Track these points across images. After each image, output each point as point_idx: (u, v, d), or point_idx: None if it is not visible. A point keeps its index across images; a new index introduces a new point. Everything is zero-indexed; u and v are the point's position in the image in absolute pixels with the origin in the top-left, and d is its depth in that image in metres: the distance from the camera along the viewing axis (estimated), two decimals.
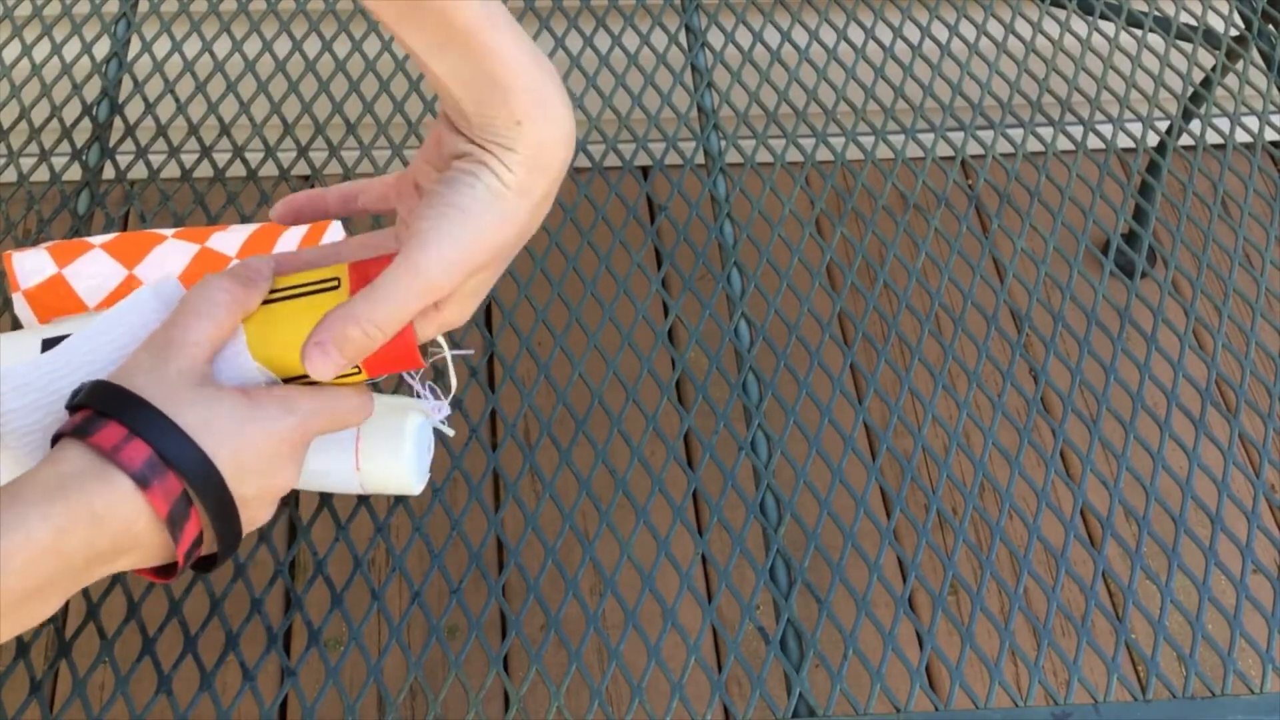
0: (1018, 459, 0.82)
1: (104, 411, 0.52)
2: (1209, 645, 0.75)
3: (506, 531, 0.79)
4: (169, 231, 0.81)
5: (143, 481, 0.51)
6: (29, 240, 0.91)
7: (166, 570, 0.56)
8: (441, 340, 0.63)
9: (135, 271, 0.78)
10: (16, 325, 0.83)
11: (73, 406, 0.54)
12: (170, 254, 0.79)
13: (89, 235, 0.83)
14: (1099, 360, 0.88)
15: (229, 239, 0.81)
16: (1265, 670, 0.74)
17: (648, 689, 0.71)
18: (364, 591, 0.75)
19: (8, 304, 0.86)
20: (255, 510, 0.56)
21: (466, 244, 0.53)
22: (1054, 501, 0.81)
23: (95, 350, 0.59)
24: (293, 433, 0.56)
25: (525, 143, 0.53)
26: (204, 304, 0.57)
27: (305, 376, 0.57)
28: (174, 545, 0.52)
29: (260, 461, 0.55)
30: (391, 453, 0.68)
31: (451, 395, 0.68)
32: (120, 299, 0.76)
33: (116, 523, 0.51)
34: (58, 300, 0.78)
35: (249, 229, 0.82)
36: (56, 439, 0.54)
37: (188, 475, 0.52)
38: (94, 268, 0.78)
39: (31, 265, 0.79)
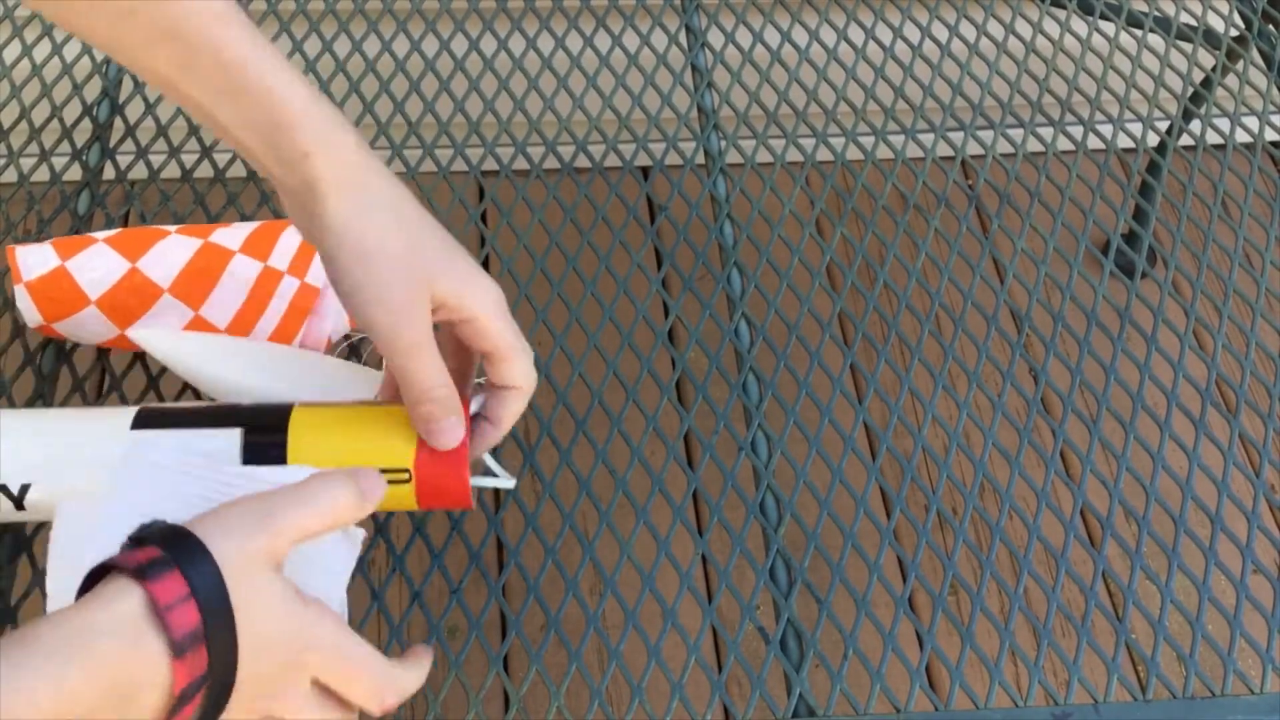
0: (1018, 459, 0.82)
1: (172, 560, 0.49)
2: (1209, 645, 0.75)
3: (506, 531, 0.79)
4: (171, 228, 0.81)
5: (178, 653, 0.47)
6: (30, 240, 0.91)
7: None
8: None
9: (138, 264, 0.78)
10: (18, 320, 0.84)
11: (140, 539, 0.50)
12: (173, 248, 0.79)
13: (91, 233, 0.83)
14: (1099, 360, 0.88)
15: (232, 234, 0.81)
16: (1265, 670, 0.74)
17: (648, 689, 0.71)
18: (364, 591, 0.75)
19: (7, 305, 0.86)
20: (239, 709, 0.52)
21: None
22: (1054, 501, 0.81)
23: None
24: (311, 651, 0.53)
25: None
26: (319, 496, 0.55)
27: None
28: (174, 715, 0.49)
29: (270, 665, 0.52)
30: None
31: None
32: (122, 292, 0.78)
33: (131, 689, 0.47)
34: (60, 293, 0.78)
35: (251, 226, 0.82)
36: (104, 569, 0.50)
37: (213, 661, 0.49)
38: (97, 260, 0.79)
39: (34, 258, 0.79)
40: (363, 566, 0.75)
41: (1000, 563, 0.78)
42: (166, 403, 0.69)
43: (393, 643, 0.73)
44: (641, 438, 0.81)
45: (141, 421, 0.64)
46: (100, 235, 0.80)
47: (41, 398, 0.81)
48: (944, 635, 0.74)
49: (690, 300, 0.91)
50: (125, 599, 0.48)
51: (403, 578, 0.77)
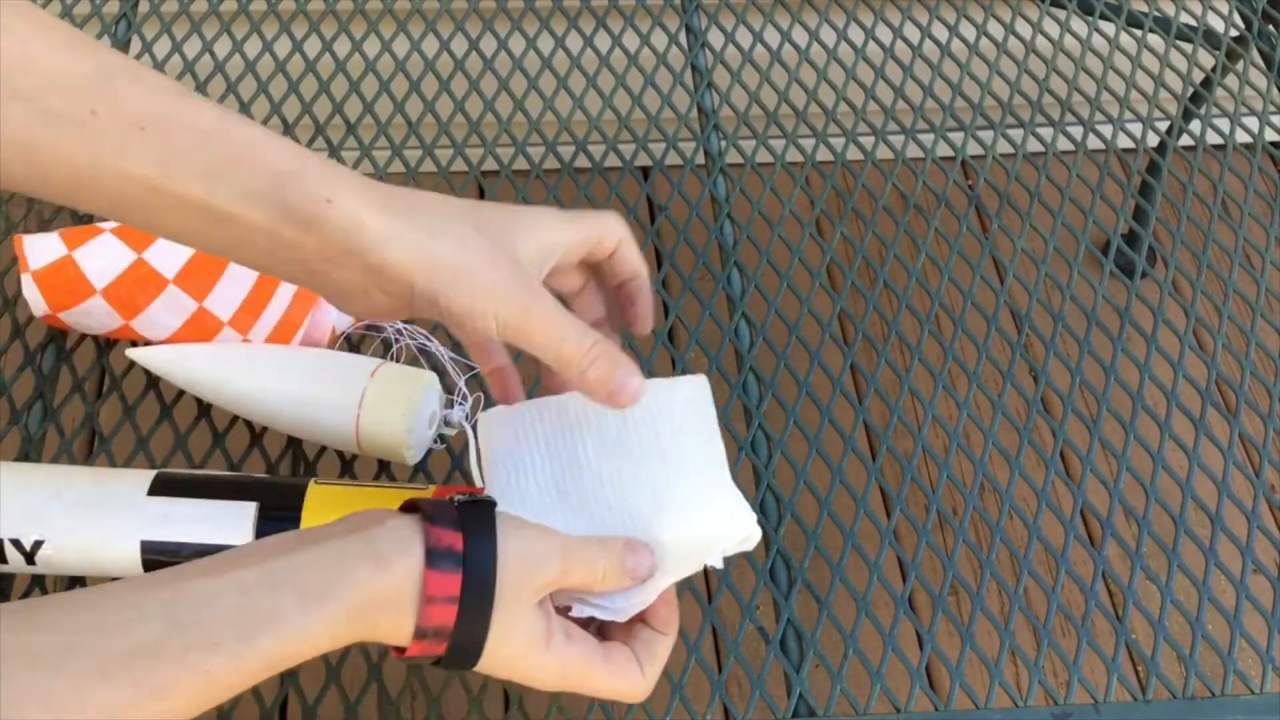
0: (1018, 459, 0.82)
1: (461, 560, 0.52)
2: (1209, 645, 0.75)
3: None
4: None
5: (419, 636, 0.51)
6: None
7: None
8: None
9: (144, 255, 0.79)
10: (17, 319, 0.84)
11: (460, 503, 0.54)
12: None
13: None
14: (1099, 360, 0.88)
15: None
16: (1265, 670, 0.74)
17: None
18: None
19: (7, 305, 0.86)
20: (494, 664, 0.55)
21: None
22: (1054, 501, 0.81)
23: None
24: (548, 684, 0.56)
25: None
26: (606, 557, 0.56)
27: None
28: (402, 643, 0.52)
29: (508, 665, 0.55)
30: (389, 434, 0.73)
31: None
32: (127, 282, 0.79)
33: (365, 636, 0.51)
34: (66, 283, 0.79)
35: None
36: (409, 508, 0.54)
37: (466, 587, 0.52)
38: (103, 250, 0.79)
39: (41, 248, 0.79)
40: None
41: (1000, 563, 0.78)
42: (183, 470, 0.72)
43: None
44: None
45: (158, 488, 0.67)
46: (107, 225, 0.81)
47: (41, 397, 0.81)
48: (944, 635, 0.74)
49: (690, 300, 0.91)
50: (408, 573, 0.51)
51: None
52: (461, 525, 0.53)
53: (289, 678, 0.72)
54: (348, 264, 0.52)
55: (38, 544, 0.66)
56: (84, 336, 0.85)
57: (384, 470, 0.78)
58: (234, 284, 0.79)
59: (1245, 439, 0.84)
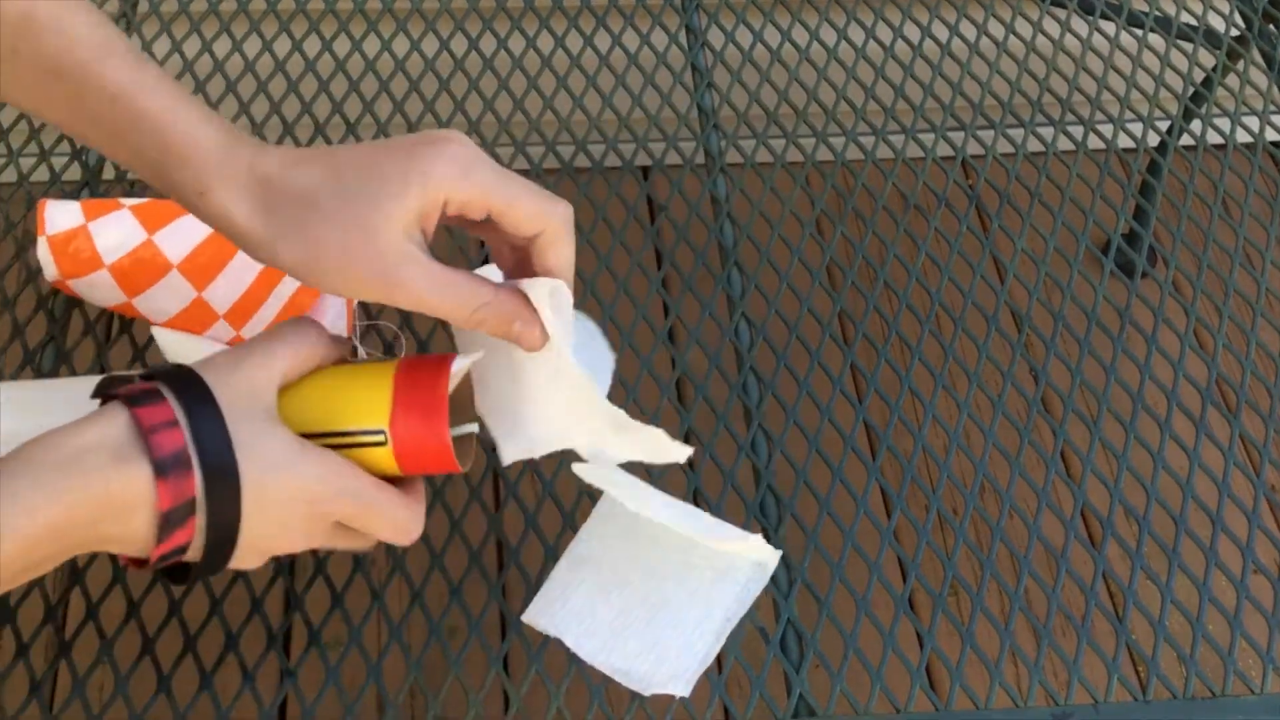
0: (1018, 459, 0.82)
1: (167, 390, 0.51)
2: (1209, 645, 0.75)
3: (506, 531, 0.79)
4: None
5: (161, 471, 0.49)
6: (30, 240, 0.91)
7: (140, 559, 0.54)
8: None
9: (154, 236, 0.80)
10: (23, 310, 0.84)
11: (145, 377, 0.53)
12: (192, 225, 0.81)
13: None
14: (1099, 360, 0.87)
15: None
16: (1265, 670, 0.74)
17: None
18: (364, 591, 0.75)
19: (7, 305, 0.86)
20: (245, 554, 0.54)
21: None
22: (1054, 501, 0.81)
23: None
24: (324, 502, 0.54)
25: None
26: (291, 333, 0.55)
27: None
28: (159, 542, 0.51)
29: (281, 511, 0.53)
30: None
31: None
32: (134, 261, 0.79)
33: (119, 507, 0.49)
34: (78, 252, 0.80)
35: None
36: (111, 398, 0.52)
37: (209, 483, 0.50)
38: (117, 226, 0.80)
39: (60, 214, 0.81)
40: (363, 566, 0.75)
41: (1000, 563, 0.78)
42: (131, 371, 0.67)
43: (393, 643, 0.73)
44: None
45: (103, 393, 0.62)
46: (128, 202, 0.82)
47: None
48: (944, 635, 0.74)
49: (690, 300, 0.91)
50: (115, 422, 0.50)
51: (403, 578, 0.77)
52: (153, 375, 0.53)
53: (288, 677, 0.72)
54: None
55: None
56: (83, 338, 0.85)
57: None
58: (234, 279, 0.79)
59: (1245, 439, 0.84)
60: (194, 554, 0.53)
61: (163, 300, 0.80)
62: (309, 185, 0.53)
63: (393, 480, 0.58)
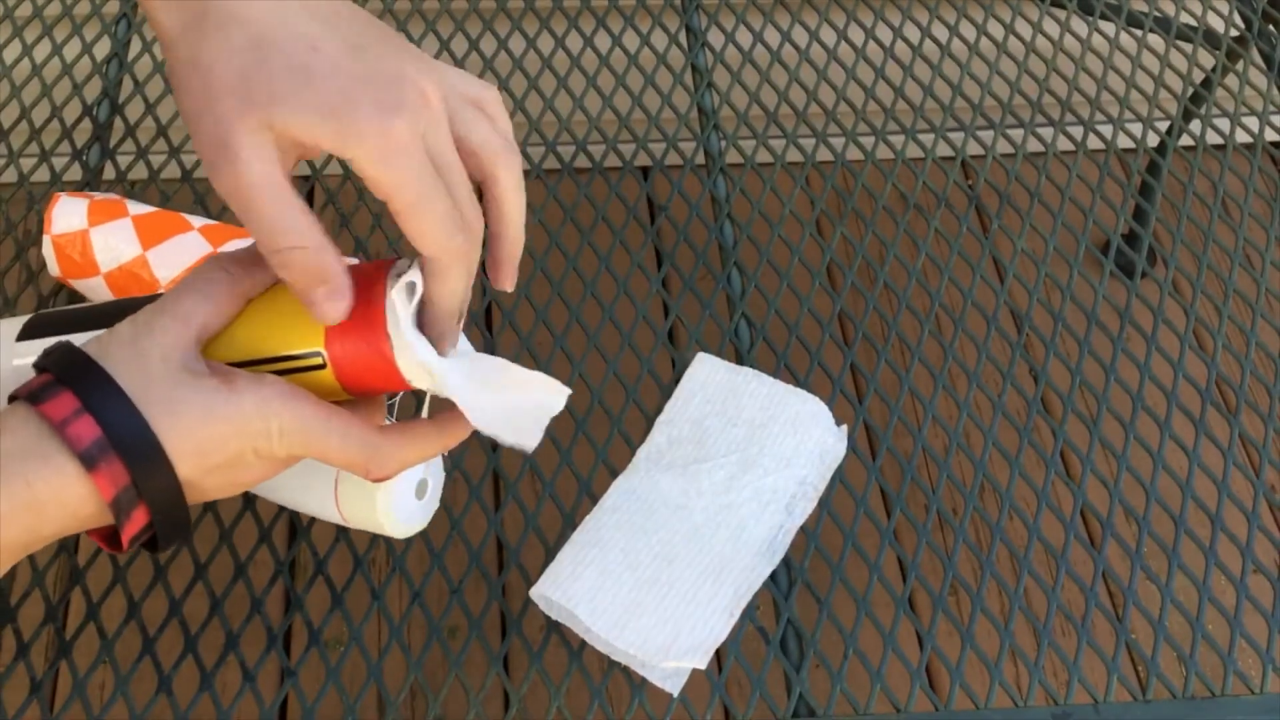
0: (1018, 459, 0.82)
1: (62, 379, 0.48)
2: (1209, 645, 0.75)
3: (506, 531, 0.79)
4: (198, 222, 0.82)
5: (89, 463, 0.47)
6: (30, 241, 0.91)
7: (114, 540, 0.52)
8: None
9: (148, 253, 0.80)
10: (37, 271, 0.84)
11: (39, 367, 0.50)
12: (185, 246, 0.81)
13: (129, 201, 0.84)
14: (1099, 360, 0.88)
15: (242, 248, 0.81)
16: (1265, 670, 0.74)
17: (648, 689, 0.71)
18: (364, 591, 0.75)
19: (7, 305, 0.86)
20: (216, 494, 0.52)
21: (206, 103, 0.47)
22: (1054, 501, 0.81)
23: None
24: (267, 440, 0.51)
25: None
26: (200, 279, 0.52)
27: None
28: (120, 529, 0.49)
29: (226, 457, 0.50)
30: (366, 505, 0.63)
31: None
32: (126, 275, 0.79)
33: (61, 509, 0.47)
34: (77, 255, 0.81)
35: None
36: (12, 399, 0.49)
37: (133, 464, 0.48)
38: (116, 237, 0.81)
39: (69, 213, 0.81)
40: (362, 566, 0.76)
41: (1000, 563, 0.78)
42: (60, 307, 0.64)
43: (393, 643, 0.73)
44: (641, 438, 0.81)
45: (29, 331, 0.60)
46: (134, 210, 0.82)
47: None
48: (944, 635, 0.74)
49: (690, 300, 0.91)
50: (26, 423, 0.48)
51: (403, 578, 0.77)
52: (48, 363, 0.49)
53: (288, 677, 0.72)
54: None
55: None
56: None
57: None
58: None
59: (1245, 439, 0.84)
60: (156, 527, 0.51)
61: None
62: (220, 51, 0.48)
63: (350, 407, 0.54)
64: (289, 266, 0.49)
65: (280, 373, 0.53)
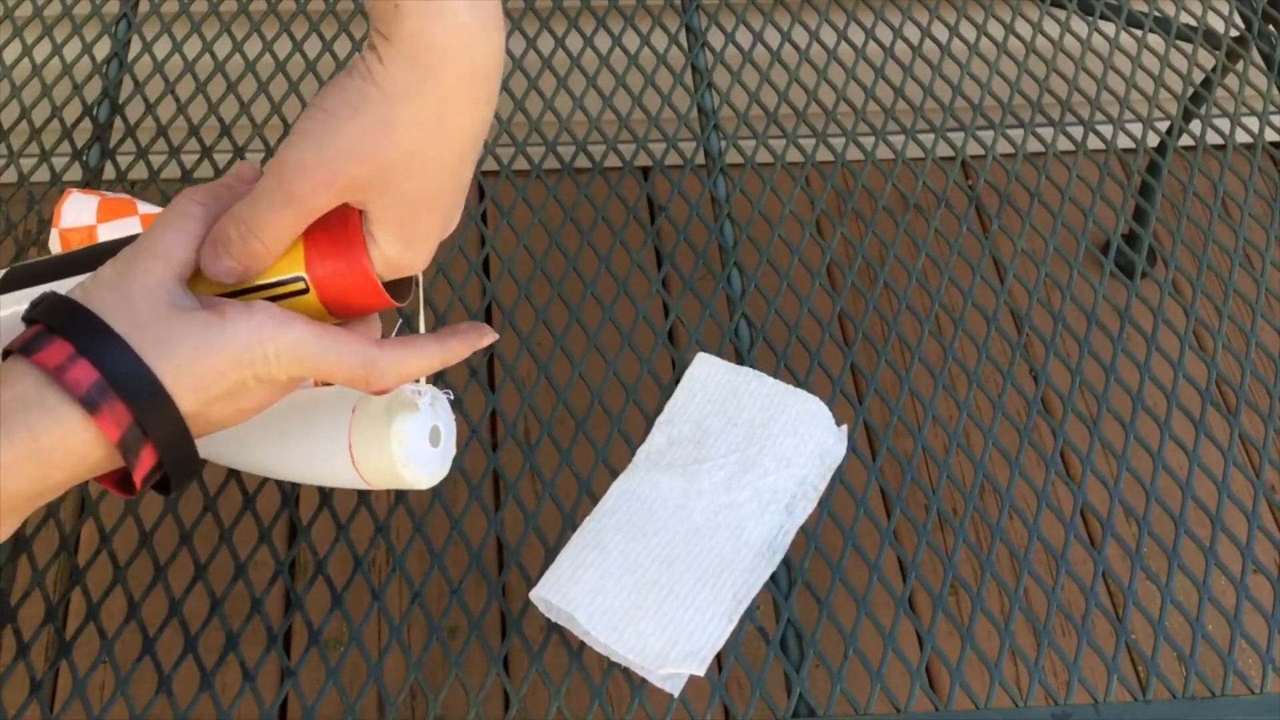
0: (1018, 459, 0.82)
1: (53, 327, 0.48)
2: (1209, 645, 0.75)
3: (506, 531, 0.79)
4: None
5: (91, 406, 0.47)
6: (30, 241, 0.91)
7: (126, 484, 0.52)
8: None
9: None
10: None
11: (28, 319, 0.50)
12: None
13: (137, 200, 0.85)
14: (1099, 360, 0.88)
15: None
16: (1265, 670, 0.74)
17: (648, 689, 0.71)
18: (364, 591, 0.75)
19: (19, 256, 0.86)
20: (222, 424, 0.52)
21: (328, 152, 0.48)
22: (1054, 501, 0.81)
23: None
24: (265, 365, 0.50)
25: (400, 33, 0.46)
26: (176, 216, 0.52)
27: None
28: (131, 469, 0.49)
29: (226, 387, 0.50)
30: (383, 457, 0.63)
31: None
32: None
33: (68, 456, 0.47)
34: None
35: None
36: (6, 355, 0.49)
37: (135, 403, 0.48)
38: (123, 235, 0.80)
39: (78, 209, 0.82)
40: (362, 566, 0.76)
41: (1000, 563, 0.78)
42: (33, 259, 0.63)
43: (393, 643, 0.73)
44: (641, 438, 0.81)
45: (7, 285, 0.60)
46: (142, 209, 0.83)
47: None
48: (944, 635, 0.74)
49: (690, 300, 0.91)
50: (22, 375, 0.47)
51: (403, 578, 0.77)
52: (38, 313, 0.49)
53: (288, 676, 0.72)
54: None
55: None
56: None
57: None
58: None
59: (1245, 439, 0.84)
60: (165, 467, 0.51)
61: None
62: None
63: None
64: (215, 243, 0.51)
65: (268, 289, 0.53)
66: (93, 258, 0.56)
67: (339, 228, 0.53)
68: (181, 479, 0.51)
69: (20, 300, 0.56)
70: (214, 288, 0.53)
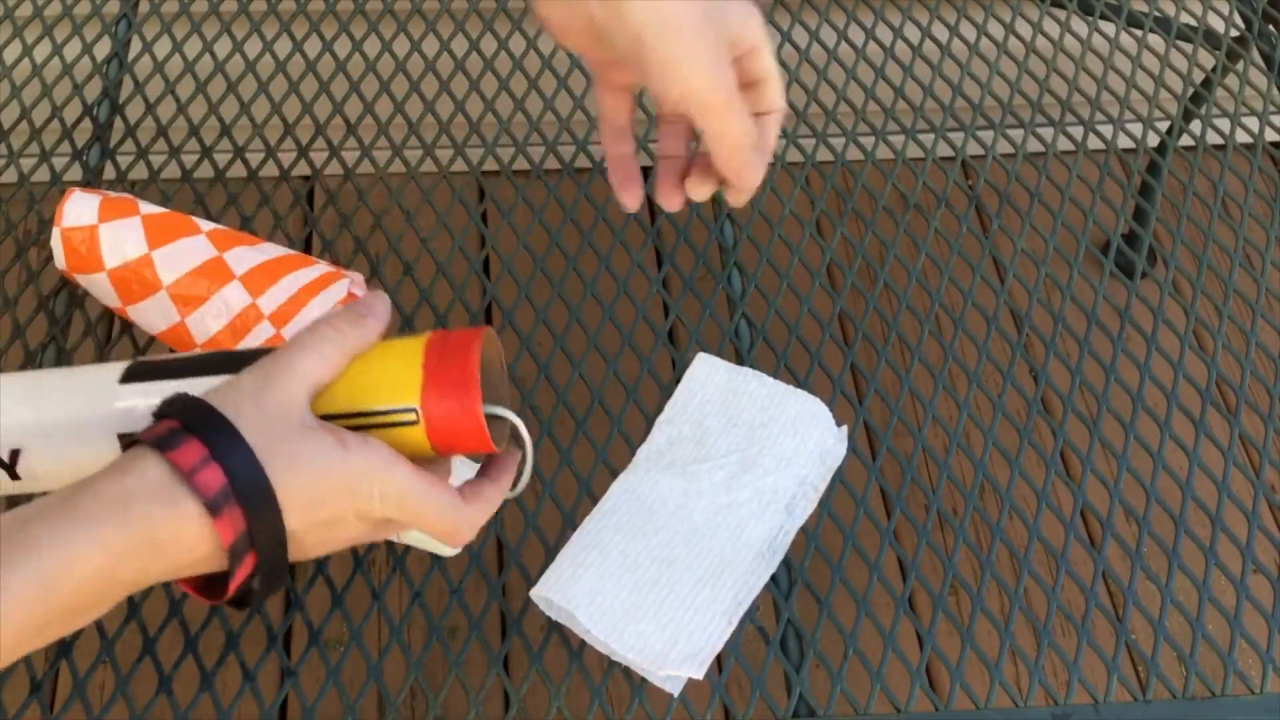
0: (1018, 459, 0.82)
1: (189, 426, 0.51)
2: (1209, 645, 0.75)
3: (506, 531, 0.79)
4: (206, 226, 0.83)
5: (214, 510, 0.49)
6: (30, 241, 0.91)
7: (208, 589, 0.54)
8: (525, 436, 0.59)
9: (154, 253, 0.80)
10: (24, 310, 0.84)
11: (160, 415, 0.52)
12: (192, 249, 0.81)
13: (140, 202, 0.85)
14: (1099, 360, 0.88)
15: (244, 257, 0.81)
16: (1265, 670, 0.74)
17: (648, 689, 0.71)
18: (364, 591, 0.75)
19: (8, 305, 0.87)
20: (313, 551, 0.54)
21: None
22: (1054, 501, 0.81)
23: None
24: (368, 500, 0.53)
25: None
26: (314, 340, 0.55)
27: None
28: (231, 576, 0.51)
29: (330, 513, 0.53)
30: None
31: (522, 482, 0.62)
32: (130, 273, 0.80)
33: (178, 548, 0.50)
34: (85, 251, 0.81)
35: (268, 254, 0.81)
36: (129, 444, 0.52)
37: (251, 513, 0.50)
38: (123, 235, 0.81)
39: (80, 208, 0.82)
40: (363, 566, 0.76)
41: (1000, 563, 0.78)
42: (159, 355, 0.64)
43: (393, 643, 0.73)
44: (641, 438, 0.81)
45: (132, 375, 0.61)
46: (145, 209, 0.82)
47: None
48: (944, 635, 0.74)
49: (690, 300, 0.91)
50: (151, 467, 0.50)
51: (403, 578, 0.77)
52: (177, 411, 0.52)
53: (288, 676, 0.72)
54: None
55: (15, 454, 0.60)
56: (83, 338, 0.85)
57: None
58: (212, 317, 0.80)
59: (1245, 439, 0.84)
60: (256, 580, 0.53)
61: (151, 316, 0.81)
62: None
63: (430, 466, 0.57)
64: (754, 149, 0.62)
65: (372, 427, 0.55)
66: (219, 363, 0.58)
67: (458, 367, 0.55)
68: (269, 590, 0.54)
69: (142, 394, 0.58)
70: (329, 407, 0.55)
